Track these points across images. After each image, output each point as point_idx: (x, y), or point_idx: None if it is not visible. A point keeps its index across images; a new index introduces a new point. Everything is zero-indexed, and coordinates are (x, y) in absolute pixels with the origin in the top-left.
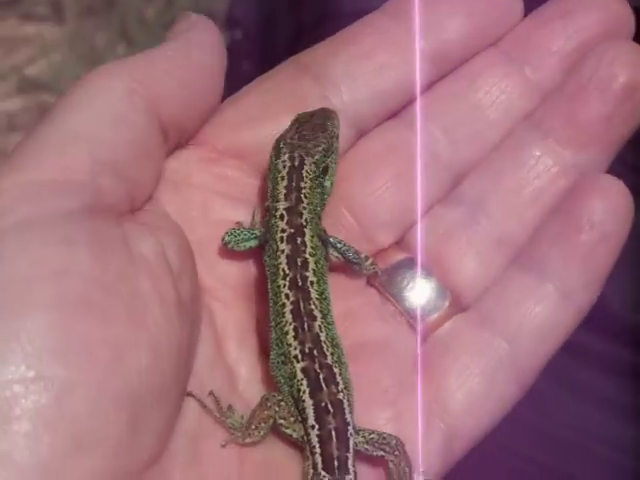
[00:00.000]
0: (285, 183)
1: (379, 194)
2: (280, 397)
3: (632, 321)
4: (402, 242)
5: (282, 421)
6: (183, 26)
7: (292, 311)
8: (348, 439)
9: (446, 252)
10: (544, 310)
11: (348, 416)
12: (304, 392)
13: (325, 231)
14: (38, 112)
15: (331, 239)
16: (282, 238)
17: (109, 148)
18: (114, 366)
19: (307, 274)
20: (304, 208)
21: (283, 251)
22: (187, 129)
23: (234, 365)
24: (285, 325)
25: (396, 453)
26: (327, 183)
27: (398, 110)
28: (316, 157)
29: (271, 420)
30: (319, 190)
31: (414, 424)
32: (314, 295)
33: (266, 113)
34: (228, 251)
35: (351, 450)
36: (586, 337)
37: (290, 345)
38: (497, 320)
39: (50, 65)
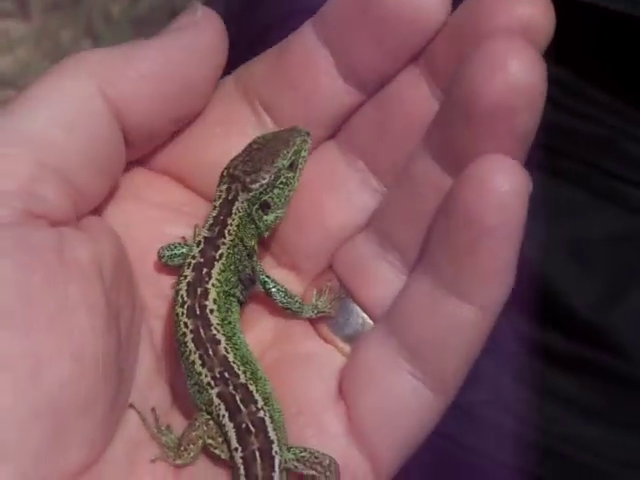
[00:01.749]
0: (215, 213)
1: (303, 222)
2: (208, 417)
3: (595, 322)
4: (331, 267)
5: (210, 441)
6: (184, 21)
7: (193, 339)
8: (273, 458)
9: (363, 273)
10: (444, 316)
11: (271, 434)
12: (223, 416)
13: (256, 269)
14: (3, 108)
15: (262, 277)
16: (189, 264)
17: (59, 153)
18: (34, 378)
19: (206, 303)
20: (223, 244)
21: (186, 277)
22: (154, 140)
23: (172, 383)
24: (190, 354)
25: (327, 474)
26: (269, 217)
27: (333, 133)
28: (252, 194)
29: (200, 441)
30: (252, 226)
31: (337, 440)
32: (215, 321)
33: (203, 136)
34: (170, 268)
35: (276, 469)
36: (548, 337)
37: (200, 374)
38: (402, 332)
39: (15, 61)
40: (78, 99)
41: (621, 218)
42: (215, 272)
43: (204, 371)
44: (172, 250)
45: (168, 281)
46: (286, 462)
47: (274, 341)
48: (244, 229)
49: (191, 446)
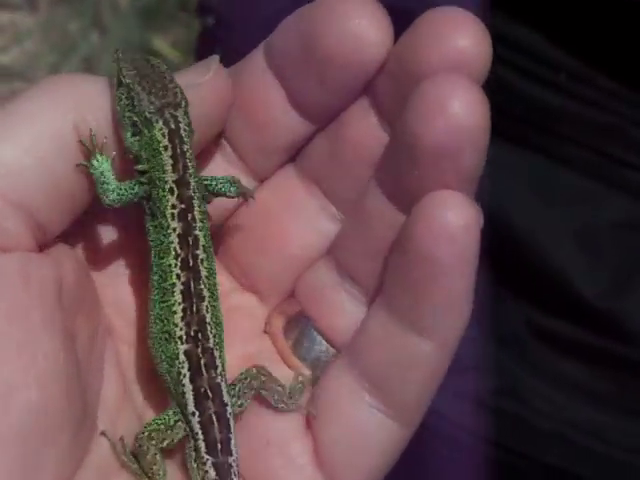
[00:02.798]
0: (170, 152)
1: (265, 246)
2: (149, 429)
3: (603, 309)
4: (294, 294)
5: (164, 444)
6: (190, 76)
7: (182, 292)
8: (228, 420)
9: (324, 301)
10: (401, 349)
11: (226, 397)
12: (184, 376)
13: (200, 181)
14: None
15: (207, 182)
16: (173, 215)
17: (27, 188)
18: (3, 406)
19: (197, 252)
20: (190, 175)
21: (175, 229)
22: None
23: (142, 409)
24: (174, 305)
25: (263, 379)
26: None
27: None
28: (185, 106)
29: (157, 457)
30: (190, 140)
31: (304, 471)
32: (204, 274)
33: None
34: (134, 289)
35: (232, 430)
36: (557, 324)
37: (176, 325)
38: (362, 364)
39: (23, 53)
40: (54, 130)
41: (630, 205)
42: (197, 213)
43: (181, 324)
44: (121, 193)
45: (129, 303)
46: (233, 407)
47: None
48: (192, 149)
49: (155, 467)
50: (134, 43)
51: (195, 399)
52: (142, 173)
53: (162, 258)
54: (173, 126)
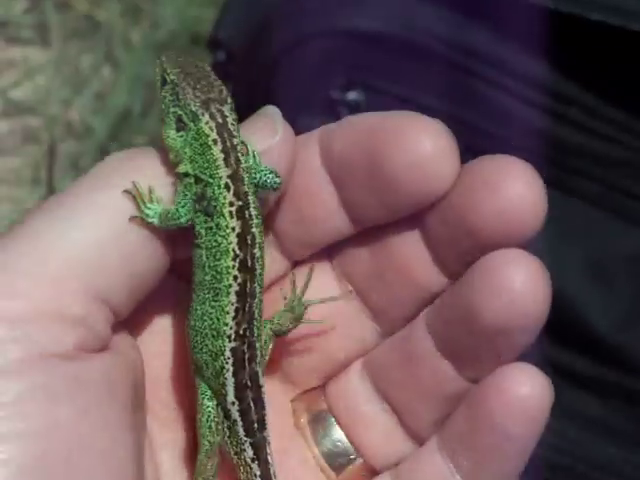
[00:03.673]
0: (220, 146)
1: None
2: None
3: (617, 342)
4: (325, 388)
5: (230, 449)
6: (260, 134)
7: (237, 292)
8: (264, 400)
9: (360, 416)
10: None
11: (262, 381)
12: (227, 370)
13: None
14: (23, 135)
15: (259, 174)
16: (231, 213)
17: (110, 281)
18: None
19: (255, 251)
20: (243, 170)
21: (234, 229)
22: None
23: None
24: (227, 305)
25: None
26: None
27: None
28: (230, 103)
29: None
30: (239, 134)
31: None
32: (258, 272)
33: None
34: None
35: (265, 406)
36: (570, 358)
37: (227, 324)
38: None
39: (35, 88)
40: (122, 217)
41: None
42: (252, 209)
43: (232, 323)
44: (183, 205)
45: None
46: (272, 332)
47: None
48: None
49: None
50: (146, 78)
51: (236, 390)
52: (185, 176)
53: (218, 259)
54: (220, 120)
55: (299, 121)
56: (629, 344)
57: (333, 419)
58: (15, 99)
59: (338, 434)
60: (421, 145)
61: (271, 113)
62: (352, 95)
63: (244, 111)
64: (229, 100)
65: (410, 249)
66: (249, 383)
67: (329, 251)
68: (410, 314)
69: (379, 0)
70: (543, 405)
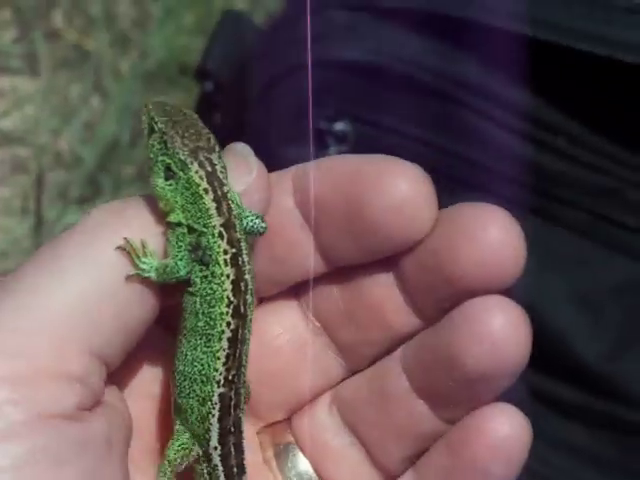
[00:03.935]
0: (211, 195)
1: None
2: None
3: (604, 372)
4: (290, 421)
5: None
6: (234, 172)
7: (229, 339)
8: (242, 445)
9: (328, 450)
10: None
11: (243, 425)
12: (213, 416)
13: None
14: (12, 165)
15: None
16: (226, 261)
17: (104, 337)
18: None
19: (247, 297)
20: (235, 217)
21: (229, 276)
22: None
23: None
24: (218, 351)
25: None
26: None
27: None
28: (218, 151)
29: None
30: (227, 182)
31: None
32: (249, 316)
33: None
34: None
35: (244, 451)
36: (558, 388)
37: (217, 370)
38: None
39: (24, 118)
40: (117, 271)
41: (628, 267)
42: (245, 255)
43: (222, 369)
44: (180, 258)
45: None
46: None
47: None
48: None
49: None
50: (135, 108)
51: (219, 436)
52: (177, 225)
53: (212, 306)
54: (209, 168)
55: (287, 152)
56: (616, 373)
57: (299, 451)
58: (4, 129)
59: (305, 466)
60: (400, 189)
61: (241, 150)
62: (339, 126)
63: (231, 142)
64: (217, 148)
65: (382, 290)
66: (232, 429)
67: (296, 287)
68: (379, 353)
69: (367, 32)
70: (522, 445)
